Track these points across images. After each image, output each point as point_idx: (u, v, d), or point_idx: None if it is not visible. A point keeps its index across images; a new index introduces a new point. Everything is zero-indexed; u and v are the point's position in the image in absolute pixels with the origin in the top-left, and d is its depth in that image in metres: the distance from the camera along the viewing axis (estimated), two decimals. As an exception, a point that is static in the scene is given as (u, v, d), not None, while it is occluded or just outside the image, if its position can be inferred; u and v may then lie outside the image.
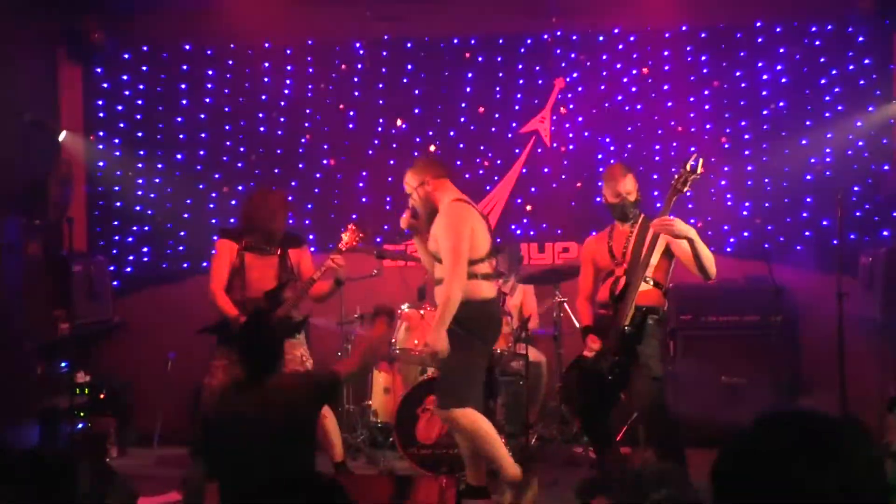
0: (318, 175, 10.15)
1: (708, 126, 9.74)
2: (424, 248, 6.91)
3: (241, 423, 4.66)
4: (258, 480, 4.63)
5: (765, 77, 9.68)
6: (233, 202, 9.94)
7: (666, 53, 9.81)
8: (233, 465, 4.65)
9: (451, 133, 10.13)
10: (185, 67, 10.24)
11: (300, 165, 10.22)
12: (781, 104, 9.64)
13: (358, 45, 10.12)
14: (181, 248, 10.26)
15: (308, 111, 10.17)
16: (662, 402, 6.58)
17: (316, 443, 5.34)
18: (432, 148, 10.09)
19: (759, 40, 9.69)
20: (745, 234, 9.64)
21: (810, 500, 1.76)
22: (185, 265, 10.17)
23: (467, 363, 6.61)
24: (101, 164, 10.25)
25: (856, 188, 9.46)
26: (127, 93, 10.29)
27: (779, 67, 9.64)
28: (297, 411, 4.89)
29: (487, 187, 10.06)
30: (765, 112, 9.68)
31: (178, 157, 10.25)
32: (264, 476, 4.63)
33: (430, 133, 10.13)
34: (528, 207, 10.07)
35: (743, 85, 9.72)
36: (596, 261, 6.90)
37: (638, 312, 6.55)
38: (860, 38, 9.56)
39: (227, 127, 10.23)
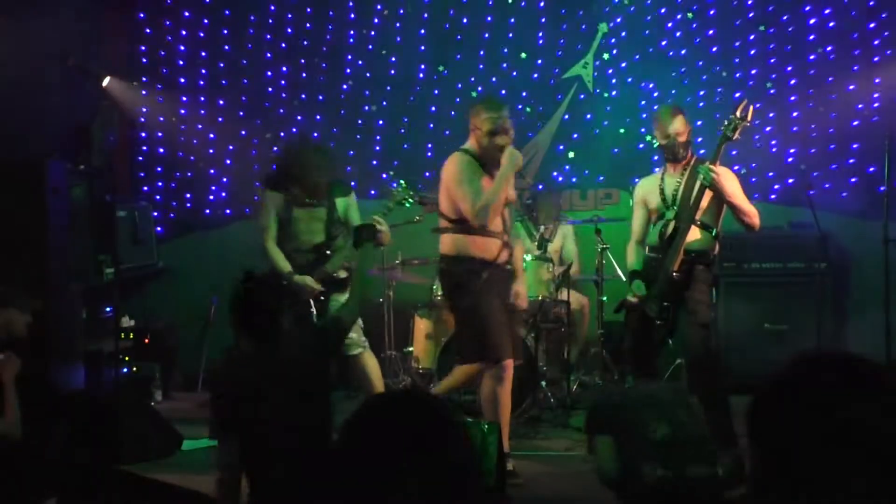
0: (359, 122, 10.13)
1: (753, 72, 9.63)
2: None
3: (264, 394, 4.59)
4: (284, 442, 4.57)
5: (812, 21, 9.52)
6: (275, 149, 9.94)
7: (711, -2, 9.70)
8: (260, 434, 4.58)
9: (493, 79, 10.06)
10: (226, 13, 10.22)
11: (341, 112, 10.21)
12: (828, 49, 9.48)
13: (399, -11, 10.07)
14: (223, 194, 10.30)
15: (349, 57, 10.15)
16: (709, 348, 6.56)
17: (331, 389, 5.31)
18: (474, 94, 10.05)
19: (807, -17, 9.55)
20: (790, 180, 9.52)
21: (850, 439, 1.74)
22: (228, 211, 10.21)
23: None
24: (143, 109, 10.28)
25: (904, 134, 9.31)
26: (169, 38, 10.30)
27: (826, 11, 9.47)
28: (312, 366, 4.84)
29: (529, 134, 10.00)
30: (811, 57, 9.53)
31: (220, 103, 10.26)
32: (292, 437, 4.57)
33: (472, 79, 10.07)
34: (570, 154, 10.02)
35: (789, 30, 9.57)
36: (647, 203, 6.83)
37: (687, 258, 6.51)
38: (910, -19, 9.39)
39: (268, 73, 10.24)
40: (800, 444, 1.76)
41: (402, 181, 7.39)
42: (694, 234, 6.54)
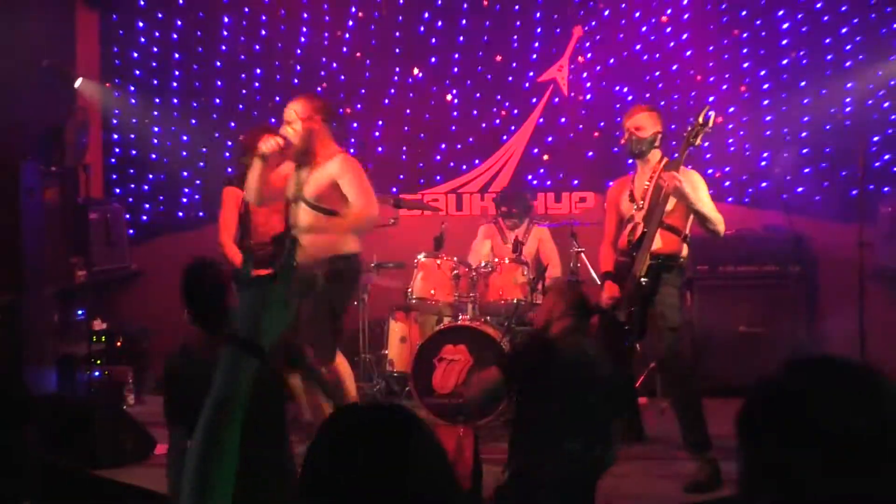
0: (333, 124, 10.10)
1: (727, 76, 9.66)
2: (264, 178, 6.79)
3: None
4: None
5: (785, 26, 9.58)
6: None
7: (685, 2, 9.71)
8: None
9: (468, 82, 10.07)
10: (200, 14, 10.18)
11: (316, 115, 10.17)
12: (801, 53, 9.54)
13: (375, -9, 10.05)
14: (197, 196, 10.25)
15: (324, 60, 10.12)
16: (679, 351, 6.56)
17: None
18: (448, 97, 10.06)
19: (780, -12, 9.59)
20: (764, 184, 9.58)
21: (846, 439, 1.74)
22: (201, 214, 10.16)
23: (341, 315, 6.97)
24: (116, 111, 10.21)
25: (875, 138, 9.36)
26: (142, 40, 10.23)
27: (799, 16, 9.53)
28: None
29: (504, 137, 10.02)
30: (784, 62, 9.58)
31: (194, 105, 10.21)
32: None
33: (447, 82, 10.07)
34: (545, 157, 10.02)
35: (762, 34, 9.63)
36: (618, 205, 6.85)
37: (654, 262, 6.50)
38: (882, -14, 9.45)
39: (242, 76, 10.19)
40: (791, 449, 1.76)
41: None
42: (661, 237, 6.53)
